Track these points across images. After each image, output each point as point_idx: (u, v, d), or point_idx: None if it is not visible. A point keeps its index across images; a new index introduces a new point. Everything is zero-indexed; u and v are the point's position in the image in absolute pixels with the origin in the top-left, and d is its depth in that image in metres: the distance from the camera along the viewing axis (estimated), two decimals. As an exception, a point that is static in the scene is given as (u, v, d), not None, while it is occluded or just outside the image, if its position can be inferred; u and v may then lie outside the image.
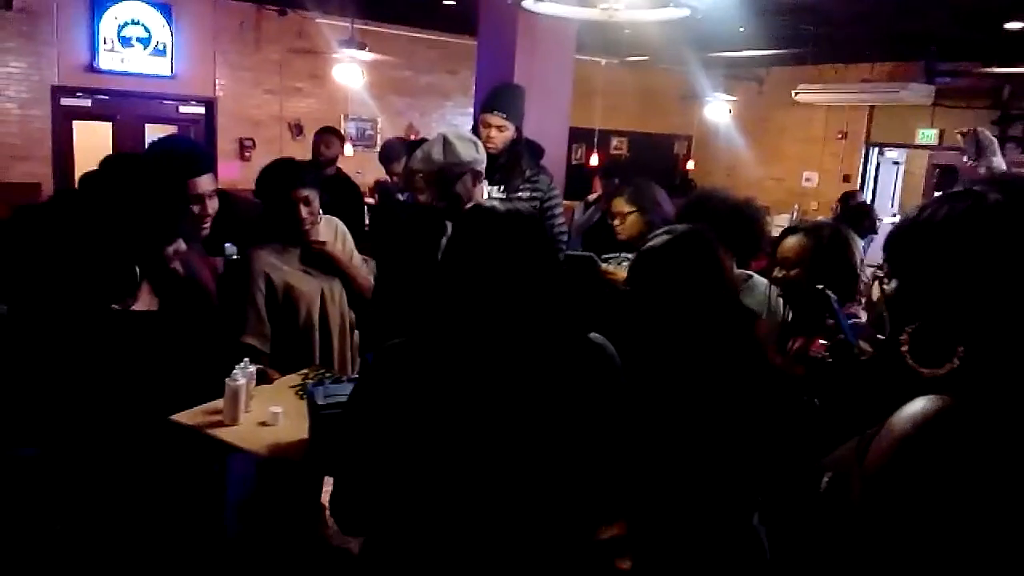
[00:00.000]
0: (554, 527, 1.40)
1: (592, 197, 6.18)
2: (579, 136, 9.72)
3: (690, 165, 11.18)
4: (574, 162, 10.00)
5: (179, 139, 4.45)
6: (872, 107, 10.05)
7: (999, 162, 5.92)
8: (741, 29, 7.10)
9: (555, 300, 1.41)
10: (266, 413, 2.28)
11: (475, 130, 3.46)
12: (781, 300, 2.37)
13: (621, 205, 3.19)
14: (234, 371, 2.28)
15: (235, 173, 7.85)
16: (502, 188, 3.33)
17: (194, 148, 2.97)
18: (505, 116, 3.39)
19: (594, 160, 9.51)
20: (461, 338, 1.37)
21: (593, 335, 1.47)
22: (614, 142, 11.30)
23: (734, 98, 10.23)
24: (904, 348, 1.09)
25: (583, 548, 1.45)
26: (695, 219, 2.34)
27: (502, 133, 3.38)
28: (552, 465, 1.37)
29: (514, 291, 1.37)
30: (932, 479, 1.01)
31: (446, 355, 1.37)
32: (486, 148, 3.23)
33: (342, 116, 8.92)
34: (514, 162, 3.38)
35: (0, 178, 7.12)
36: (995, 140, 5.63)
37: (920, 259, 1.09)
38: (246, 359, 2.38)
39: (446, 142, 2.84)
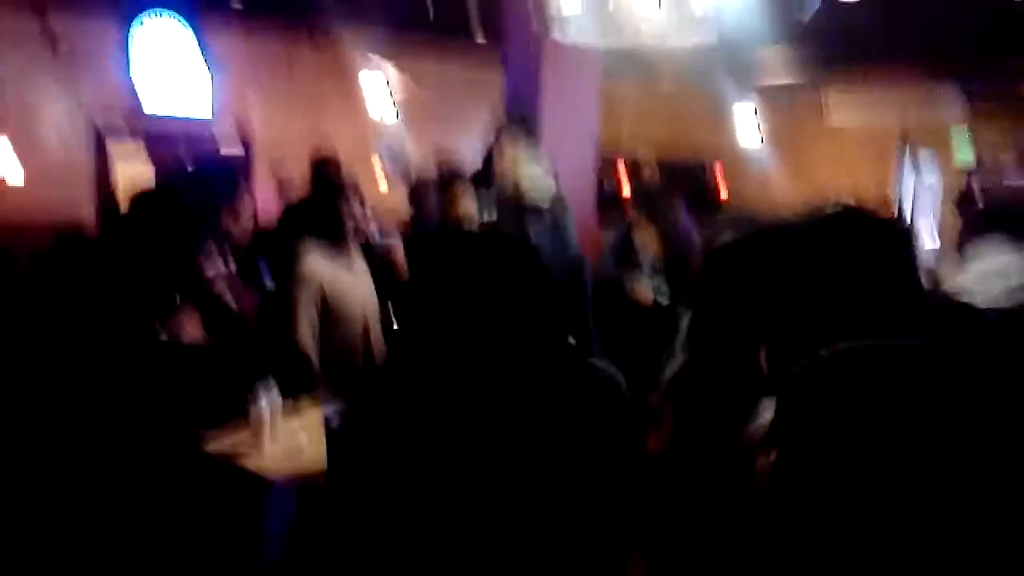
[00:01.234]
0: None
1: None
2: (608, 165, 9.73)
3: (723, 191, 11.12)
4: (605, 190, 10.01)
5: (211, 165, 4.52)
6: (907, 127, 9.91)
7: None
8: (771, 50, 7.09)
9: (545, 326, 1.36)
10: (293, 440, 2.29)
11: (487, 162, 3.52)
12: None
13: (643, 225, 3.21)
14: (258, 398, 2.29)
15: (277, 211, 7.96)
16: None
17: (226, 172, 3.01)
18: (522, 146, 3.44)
19: (625, 189, 9.53)
20: (442, 367, 1.33)
21: (595, 360, 1.42)
22: (646, 170, 11.28)
23: (764, 121, 10.19)
24: (762, 356, 1.15)
25: None
26: None
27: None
28: (547, 504, 1.31)
29: (496, 316, 1.32)
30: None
31: (428, 383, 1.33)
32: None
33: (374, 147, 9.04)
34: None
35: (45, 219, 7.31)
36: None
37: (762, 273, 1.15)
38: (272, 383, 2.39)
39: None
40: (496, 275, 1.32)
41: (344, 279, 2.81)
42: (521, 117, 3.76)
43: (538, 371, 1.34)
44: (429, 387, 1.33)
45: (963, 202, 8.02)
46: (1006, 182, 9.34)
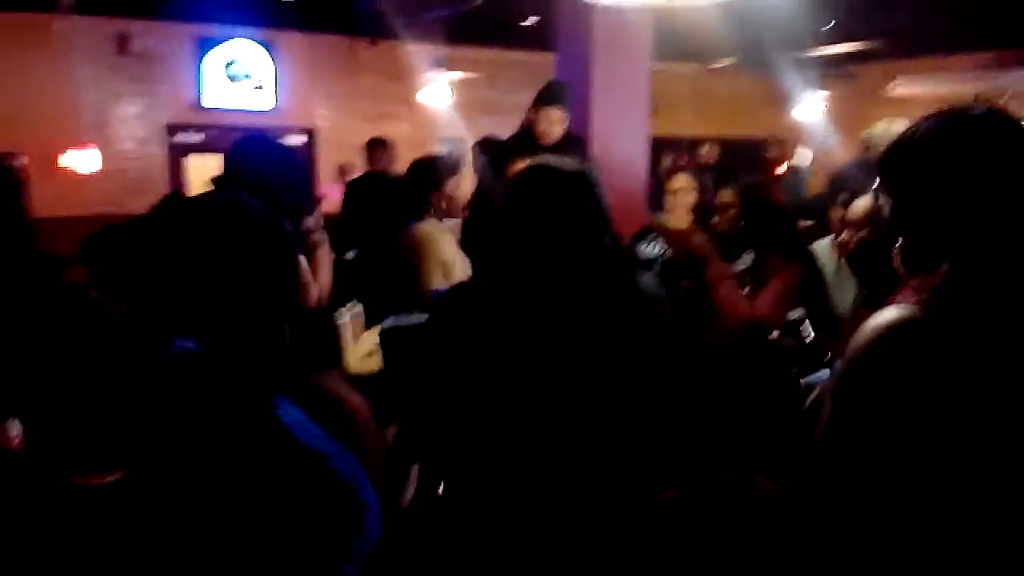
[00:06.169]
0: (605, 473, 1.50)
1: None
2: (667, 145, 9.67)
3: (782, 169, 10.91)
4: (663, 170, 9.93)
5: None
6: (975, 97, 9.57)
7: None
8: (832, 23, 6.94)
9: (608, 251, 1.55)
10: (369, 342, 2.69)
11: (525, 125, 3.62)
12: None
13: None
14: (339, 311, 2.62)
15: (338, 194, 8.24)
16: None
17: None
18: (565, 110, 3.56)
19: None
20: (519, 284, 1.50)
21: (642, 280, 1.60)
22: (704, 149, 11.15)
23: (825, 94, 9.98)
24: (897, 258, 1.15)
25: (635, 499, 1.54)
26: None
27: (561, 127, 3.55)
28: (603, 410, 1.47)
29: (574, 241, 1.50)
30: (881, 386, 1.04)
31: (503, 302, 1.49)
32: (544, 142, 3.46)
33: (432, 138, 9.19)
34: (567, 152, 3.49)
35: (121, 210, 7.69)
36: None
37: (907, 175, 1.14)
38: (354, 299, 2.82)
39: None
40: (577, 204, 1.52)
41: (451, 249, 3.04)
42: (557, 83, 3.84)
43: (598, 296, 1.50)
44: (499, 308, 1.49)
45: None
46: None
